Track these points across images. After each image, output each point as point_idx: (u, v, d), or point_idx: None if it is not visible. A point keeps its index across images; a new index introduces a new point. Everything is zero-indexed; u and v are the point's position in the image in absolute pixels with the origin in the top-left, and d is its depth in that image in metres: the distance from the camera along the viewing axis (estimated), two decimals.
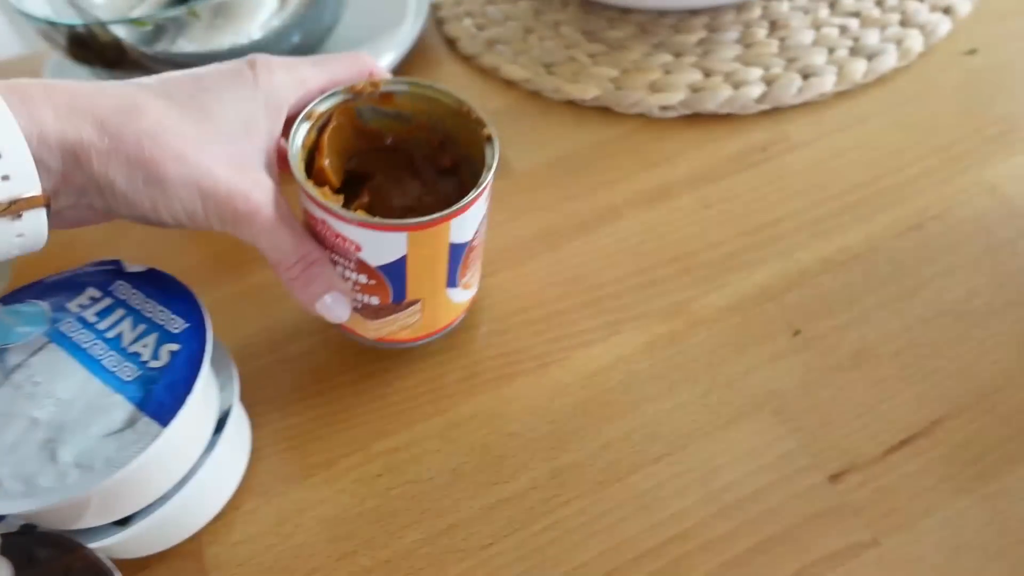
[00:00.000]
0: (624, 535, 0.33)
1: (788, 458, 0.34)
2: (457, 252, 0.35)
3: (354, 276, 0.34)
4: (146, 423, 0.28)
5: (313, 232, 0.34)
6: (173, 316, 0.32)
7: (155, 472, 0.31)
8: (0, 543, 0.30)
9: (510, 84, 0.58)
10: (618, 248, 0.45)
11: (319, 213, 0.33)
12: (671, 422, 0.36)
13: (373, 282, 0.34)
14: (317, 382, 0.41)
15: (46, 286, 0.34)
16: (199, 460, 0.33)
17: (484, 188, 0.33)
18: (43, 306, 0.33)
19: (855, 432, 0.35)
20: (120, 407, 0.29)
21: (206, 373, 0.30)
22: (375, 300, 0.35)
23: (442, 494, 0.36)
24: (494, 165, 0.34)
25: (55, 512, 0.29)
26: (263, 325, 0.44)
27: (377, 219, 0.32)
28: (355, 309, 0.36)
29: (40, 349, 0.31)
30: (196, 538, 0.36)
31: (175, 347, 0.31)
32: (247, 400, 0.39)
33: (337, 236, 0.33)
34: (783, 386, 0.37)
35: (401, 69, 0.61)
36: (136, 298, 0.33)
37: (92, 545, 0.30)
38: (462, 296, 0.39)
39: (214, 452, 0.33)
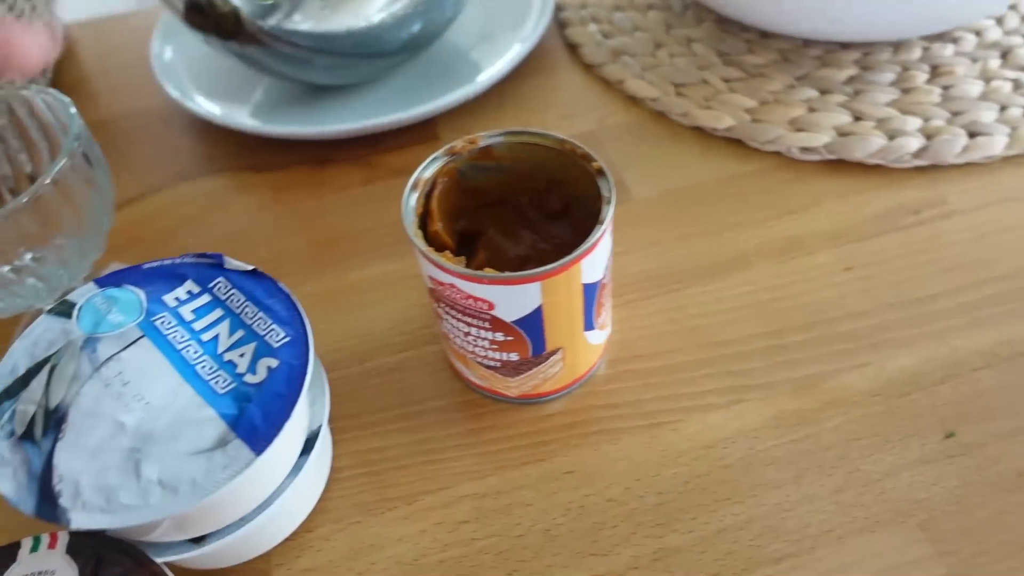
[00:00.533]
0: None
1: None
2: (591, 292, 0.32)
3: (490, 335, 0.32)
4: (237, 447, 0.26)
5: (441, 299, 0.32)
6: (273, 326, 0.29)
7: (240, 497, 0.28)
8: (68, 541, 0.27)
9: (633, 101, 0.54)
10: (745, 302, 0.41)
11: (446, 278, 0.30)
12: (797, 517, 0.32)
13: (511, 338, 0.32)
14: (404, 404, 0.38)
15: (144, 273, 0.31)
16: (283, 483, 0.30)
17: (608, 223, 0.31)
18: (139, 295, 0.30)
19: (1019, 570, 0.30)
20: (212, 424, 0.26)
21: (304, 399, 0.27)
22: (514, 356, 0.33)
23: (532, 555, 0.32)
24: (612, 198, 0.32)
25: (127, 527, 0.27)
26: (351, 331, 0.42)
27: (508, 274, 0.29)
28: (494, 368, 0.34)
29: (133, 343, 0.28)
30: (265, 557, 0.33)
31: (274, 363, 0.28)
32: (330, 413, 0.36)
33: (468, 297, 0.30)
34: (932, 497, 0.32)
35: (517, 72, 0.58)
36: (235, 300, 0.30)
37: (162, 560, 0.28)
38: (599, 337, 0.36)
39: (299, 476, 0.30)
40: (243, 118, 0.54)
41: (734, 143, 0.50)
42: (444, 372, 0.39)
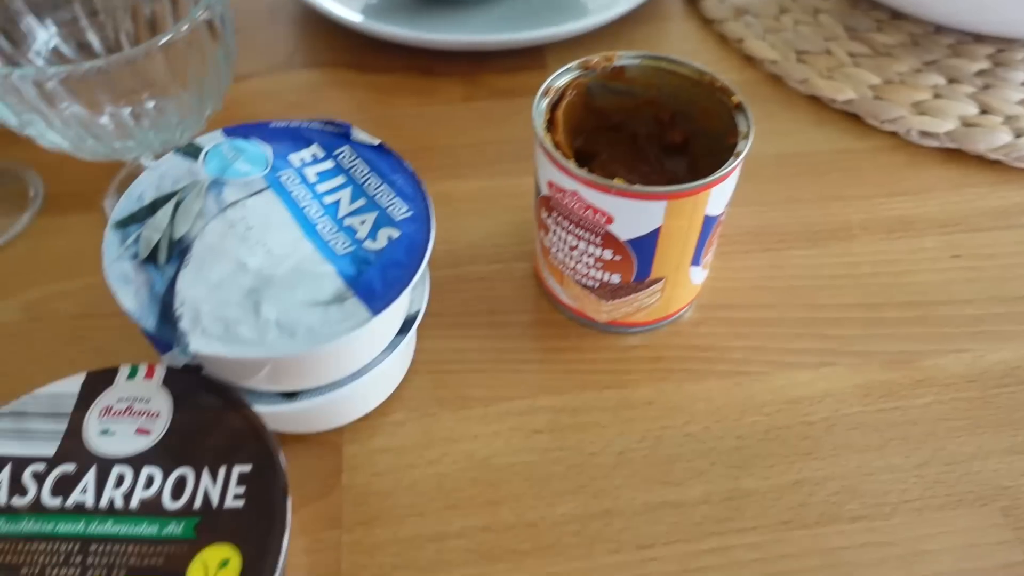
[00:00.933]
0: None
1: (1014, 570, 0.29)
2: (708, 226, 0.31)
3: (598, 252, 0.32)
4: (354, 304, 0.26)
5: (556, 208, 0.32)
6: (396, 199, 0.29)
7: (345, 356, 0.28)
8: (164, 374, 0.28)
9: (750, 61, 0.53)
10: (846, 272, 0.40)
11: (570, 184, 0.30)
12: (877, 483, 0.32)
13: (619, 258, 0.31)
14: (489, 313, 0.38)
15: (271, 131, 0.31)
16: (379, 356, 0.30)
17: (743, 156, 0.30)
18: (266, 149, 0.30)
19: None
20: (329, 279, 0.26)
21: (423, 269, 0.27)
22: (616, 278, 0.32)
23: (603, 474, 0.32)
24: (751, 133, 0.31)
25: (236, 365, 0.27)
26: (443, 237, 0.42)
27: (637, 187, 0.29)
28: (591, 289, 0.33)
29: (257, 192, 0.29)
30: (338, 432, 0.34)
31: (395, 233, 0.28)
32: None
33: (588, 208, 0.30)
34: (1019, 486, 0.32)
35: (634, 15, 0.56)
36: (359, 170, 0.30)
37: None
38: (699, 277, 0.35)
39: (394, 352, 0.31)
40: (353, 15, 0.53)
41: (850, 118, 0.49)
42: (531, 290, 0.39)
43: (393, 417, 0.34)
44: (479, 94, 0.51)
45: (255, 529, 0.24)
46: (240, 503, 0.25)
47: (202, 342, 0.25)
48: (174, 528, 0.24)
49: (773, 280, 0.40)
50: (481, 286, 0.39)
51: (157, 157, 0.42)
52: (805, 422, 0.34)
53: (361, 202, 0.29)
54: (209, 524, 0.24)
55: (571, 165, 0.30)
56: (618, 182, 0.29)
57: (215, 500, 0.25)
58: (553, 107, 0.33)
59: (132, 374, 0.28)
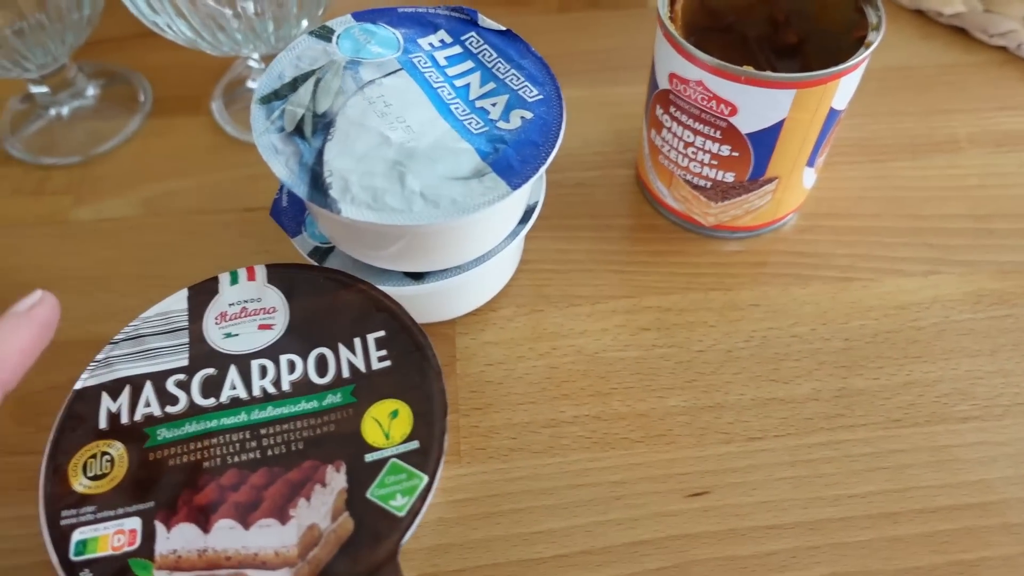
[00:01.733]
0: (912, 483, 0.30)
1: None
2: (830, 121, 0.31)
3: (715, 148, 0.32)
4: (493, 179, 0.26)
5: (675, 101, 0.32)
6: (526, 83, 0.29)
7: (479, 232, 0.29)
8: (266, 272, 0.29)
9: None
10: (951, 184, 0.39)
11: (695, 74, 0.30)
12: (988, 387, 0.32)
13: (736, 154, 0.31)
14: (592, 217, 0.39)
15: (398, 16, 0.32)
16: (501, 243, 0.31)
17: (875, 46, 0.30)
18: (396, 33, 0.31)
19: None
20: (468, 156, 0.27)
21: (557, 148, 0.28)
22: (729, 177, 0.32)
23: (712, 370, 0.33)
24: (882, 25, 0.30)
25: (373, 238, 0.28)
26: None
27: (768, 74, 0.28)
28: (701, 189, 0.33)
29: (392, 73, 0.29)
30: (450, 324, 0.35)
31: (528, 115, 0.28)
32: None
33: (711, 99, 0.30)
34: None
35: None
36: (487, 55, 0.30)
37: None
38: (810, 181, 0.35)
39: (514, 242, 0.31)
40: None
41: (956, 32, 0.47)
42: (633, 195, 0.40)
43: (502, 312, 0.35)
44: (575, 5, 0.50)
45: (410, 380, 0.26)
46: (387, 363, 0.26)
47: (352, 209, 0.26)
48: (333, 398, 0.26)
49: (877, 191, 0.39)
50: (582, 191, 0.40)
51: (265, 60, 0.42)
52: (914, 327, 0.34)
53: (491, 85, 0.29)
54: (365, 387, 0.26)
55: (698, 52, 0.29)
56: (748, 69, 0.29)
57: (361, 367, 0.26)
58: (671, 2, 0.33)
59: (234, 280, 0.29)
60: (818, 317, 0.34)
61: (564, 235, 0.38)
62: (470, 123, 0.28)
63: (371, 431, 0.25)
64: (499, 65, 0.30)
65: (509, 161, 0.27)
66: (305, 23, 0.38)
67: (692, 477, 0.30)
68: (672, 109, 0.32)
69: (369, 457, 0.25)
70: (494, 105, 0.28)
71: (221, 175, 0.41)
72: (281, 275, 0.29)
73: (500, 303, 0.35)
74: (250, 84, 0.45)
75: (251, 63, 0.43)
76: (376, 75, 0.29)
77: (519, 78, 0.29)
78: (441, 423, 0.25)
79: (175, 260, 0.37)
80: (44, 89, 0.43)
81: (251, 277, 0.29)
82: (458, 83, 0.29)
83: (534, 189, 0.33)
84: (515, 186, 0.26)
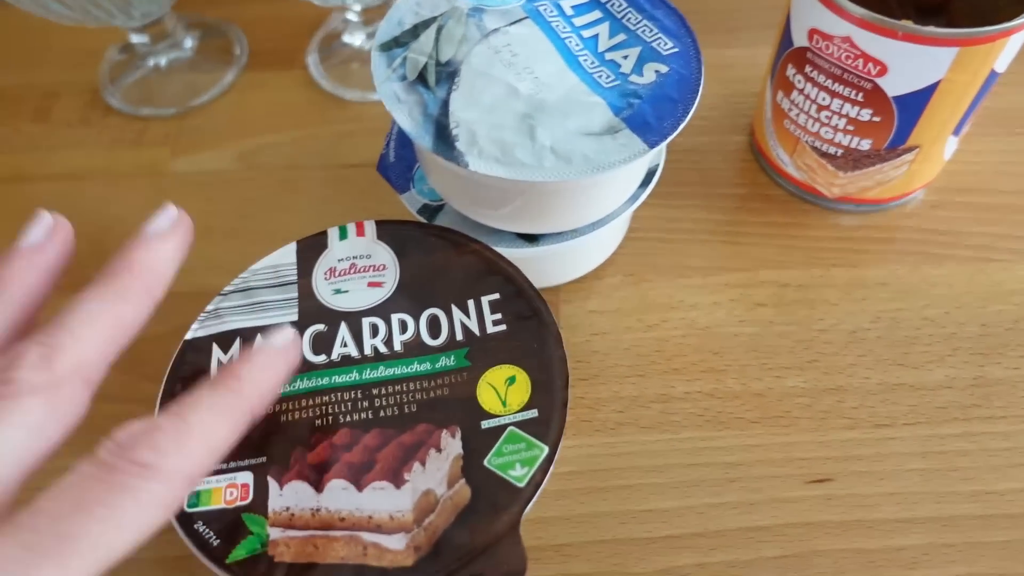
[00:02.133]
0: None
1: None
2: (987, 86, 0.29)
3: (854, 112, 0.29)
4: (628, 136, 0.25)
5: (813, 60, 0.29)
6: (660, 35, 0.27)
7: (604, 193, 0.27)
8: (375, 229, 0.28)
9: None
10: None
11: (843, 28, 0.27)
12: None
13: (878, 119, 0.29)
14: (704, 184, 0.37)
15: None
16: (621, 207, 0.29)
17: None
18: None
19: None
20: (600, 110, 0.25)
21: (696, 105, 0.26)
22: (866, 144, 0.30)
23: (835, 351, 0.31)
24: None
25: (490, 196, 0.27)
26: None
27: (930, 29, 0.26)
28: (831, 157, 0.31)
29: (518, 21, 0.28)
30: (555, 291, 0.33)
31: (663, 68, 0.26)
32: None
33: (858, 57, 0.27)
34: None
35: None
36: (617, 5, 0.29)
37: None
38: (951, 151, 0.32)
39: (633, 206, 0.30)
40: None
41: None
42: (747, 163, 0.37)
43: (608, 281, 0.34)
44: None
45: (527, 346, 0.24)
46: (502, 327, 0.25)
47: (479, 163, 0.24)
48: (447, 361, 0.25)
49: (1017, 165, 0.36)
50: (692, 157, 0.38)
51: (364, 14, 0.41)
52: None
53: (621, 37, 0.27)
54: (480, 351, 0.25)
55: (848, 4, 0.27)
56: (906, 23, 0.26)
57: (476, 330, 0.25)
58: None
59: (343, 235, 0.28)
60: (952, 300, 0.32)
61: (674, 203, 0.36)
62: (600, 76, 0.26)
63: (487, 397, 0.24)
64: (629, 15, 0.28)
65: (645, 117, 0.25)
66: None
67: (813, 463, 0.28)
68: (808, 68, 0.30)
69: (486, 424, 0.23)
70: (625, 58, 0.27)
71: (317, 130, 0.40)
72: (391, 232, 0.28)
73: (605, 271, 0.34)
74: (346, 39, 0.44)
75: (349, 15, 0.42)
76: (501, 23, 0.27)
77: (652, 29, 0.27)
78: (563, 392, 0.24)
79: (273, 215, 0.37)
80: (144, 39, 0.42)
81: (360, 233, 0.28)
82: (586, 34, 0.27)
83: (655, 153, 0.31)
84: (652, 144, 0.24)
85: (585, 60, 0.27)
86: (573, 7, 0.28)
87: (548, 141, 0.24)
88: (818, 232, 0.34)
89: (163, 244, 0.21)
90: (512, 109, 0.25)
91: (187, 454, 0.17)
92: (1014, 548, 0.26)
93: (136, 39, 0.42)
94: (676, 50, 0.27)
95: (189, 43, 0.44)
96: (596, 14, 0.28)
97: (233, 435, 0.19)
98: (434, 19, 0.27)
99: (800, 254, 0.34)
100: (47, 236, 0.20)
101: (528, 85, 0.26)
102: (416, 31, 0.27)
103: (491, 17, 0.28)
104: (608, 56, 0.27)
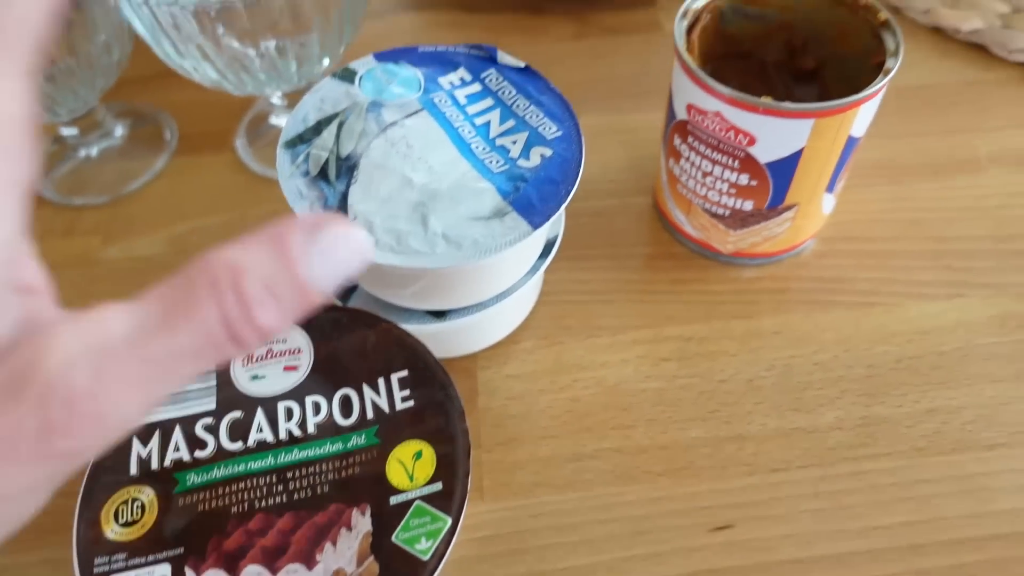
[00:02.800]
0: (939, 513, 0.29)
1: None
2: (848, 149, 0.31)
3: (733, 177, 0.32)
4: (515, 219, 0.27)
5: (693, 132, 0.32)
6: (545, 119, 0.30)
7: (501, 271, 0.29)
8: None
9: None
10: (974, 204, 0.39)
11: (712, 105, 0.30)
12: (1014, 412, 0.32)
13: (755, 183, 0.31)
14: (611, 246, 0.39)
15: (419, 55, 0.32)
16: (522, 278, 0.31)
17: (893, 73, 0.30)
18: (417, 73, 0.31)
19: None
20: (489, 195, 0.27)
21: (576, 187, 0.28)
22: (749, 205, 0.33)
23: (734, 400, 0.33)
24: (900, 51, 0.30)
25: (397, 278, 0.29)
26: None
27: (785, 104, 0.28)
28: (720, 217, 0.34)
29: (414, 114, 0.30)
30: (471, 359, 0.35)
31: (547, 152, 0.29)
32: None
33: (729, 129, 0.30)
34: None
35: None
36: (507, 92, 0.31)
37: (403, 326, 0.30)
38: (829, 206, 0.35)
39: (534, 277, 0.32)
40: None
41: (975, 49, 0.47)
42: (652, 223, 0.40)
43: (523, 345, 0.35)
44: (590, 32, 0.51)
45: (434, 421, 0.26)
46: (410, 403, 0.27)
47: (376, 253, 0.26)
48: (358, 440, 0.26)
49: (898, 212, 0.39)
50: (600, 220, 0.40)
51: (287, 97, 0.43)
52: (937, 352, 0.34)
53: (511, 123, 0.30)
54: (389, 428, 0.26)
55: (715, 83, 0.30)
56: (766, 99, 0.29)
57: (385, 407, 0.27)
58: (688, 31, 0.33)
59: None
60: (840, 344, 0.34)
61: (583, 265, 0.38)
62: (490, 161, 0.28)
63: (396, 473, 0.25)
64: (518, 102, 0.30)
65: (530, 199, 0.27)
66: (327, 61, 0.38)
67: (716, 511, 0.30)
68: (690, 139, 0.33)
69: (394, 499, 0.25)
70: (514, 143, 0.29)
71: (247, 212, 0.42)
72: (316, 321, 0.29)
73: (521, 336, 0.36)
74: (272, 120, 0.46)
75: (274, 99, 0.44)
76: (398, 116, 0.29)
77: (538, 115, 0.30)
78: (464, 464, 0.25)
79: None
80: (74, 131, 0.44)
81: None
82: (478, 121, 0.30)
83: (554, 223, 0.33)
84: (536, 225, 0.26)
85: (477, 147, 0.29)
86: (467, 96, 0.31)
87: (440, 228, 0.26)
88: (718, 286, 0.37)
89: None
90: (406, 199, 0.27)
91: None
92: None
93: (66, 132, 0.44)
94: (559, 134, 0.29)
95: (119, 131, 0.46)
96: (488, 102, 0.30)
97: None
98: (336, 115, 0.29)
99: (701, 308, 0.36)
100: None
101: (422, 175, 0.28)
102: (319, 127, 0.29)
103: (389, 111, 0.30)
104: (499, 142, 0.29)
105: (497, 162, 0.28)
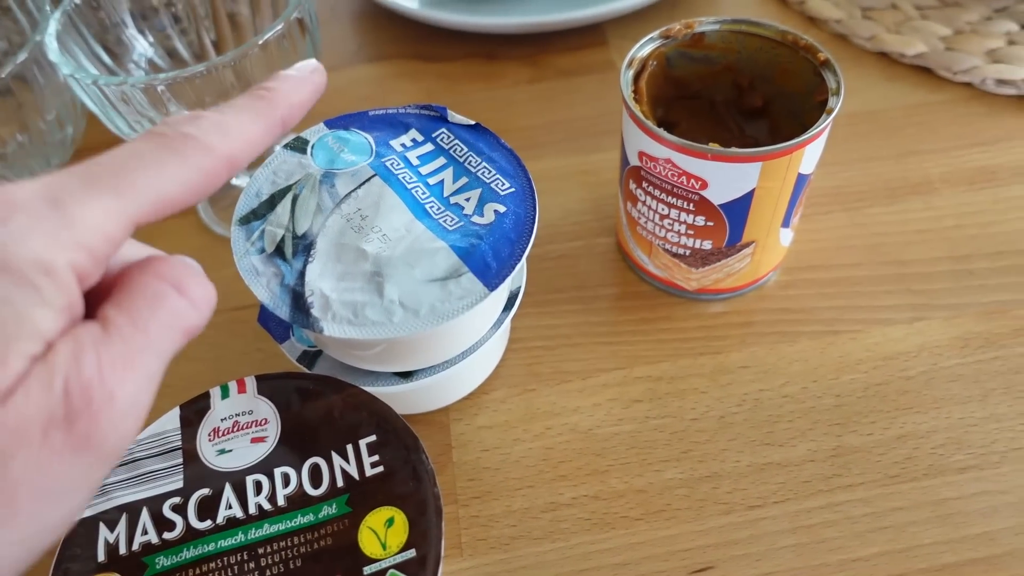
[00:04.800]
0: (916, 541, 0.29)
1: None
2: (800, 185, 0.32)
3: (690, 219, 0.32)
4: (471, 280, 0.27)
5: (646, 178, 0.32)
6: (498, 176, 0.30)
7: (461, 332, 0.29)
8: (256, 384, 0.29)
9: (813, 22, 0.53)
10: (929, 227, 0.40)
11: (662, 152, 0.30)
12: (982, 433, 0.32)
13: (711, 224, 0.32)
14: (577, 289, 0.39)
15: (370, 119, 0.33)
16: (487, 333, 0.31)
17: (836, 112, 0.31)
18: (368, 138, 0.32)
19: None
20: (444, 255, 0.28)
21: (531, 244, 0.28)
22: (707, 244, 0.33)
23: (707, 438, 0.33)
24: (842, 90, 0.31)
25: (359, 345, 0.28)
26: None
27: (733, 150, 0.29)
28: (681, 257, 0.34)
29: (366, 182, 0.30)
30: (444, 412, 0.35)
31: (501, 208, 0.29)
32: None
33: (681, 175, 0.31)
34: None
35: None
36: (459, 150, 0.31)
37: (370, 389, 0.30)
38: (788, 239, 0.35)
39: (500, 329, 0.32)
40: (413, 5, 0.54)
41: (921, 72, 0.48)
42: (616, 263, 0.40)
43: (495, 395, 0.35)
44: (545, 75, 0.51)
45: (404, 485, 0.26)
46: (380, 469, 0.26)
47: (334, 327, 0.26)
48: (329, 510, 0.26)
49: (856, 239, 0.40)
50: (565, 263, 0.40)
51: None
52: (903, 377, 0.34)
53: (464, 180, 0.30)
54: (360, 495, 0.26)
55: (664, 133, 0.30)
56: (713, 146, 0.29)
57: (355, 474, 0.27)
58: (635, 78, 0.34)
59: (224, 393, 0.29)
60: (808, 374, 0.35)
61: (551, 310, 0.38)
62: (445, 220, 0.29)
63: (368, 541, 0.25)
64: (470, 159, 0.31)
65: (485, 259, 0.27)
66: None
67: (695, 552, 0.30)
68: (645, 184, 0.33)
69: (368, 570, 0.25)
70: (468, 200, 0.29)
71: (210, 275, 0.41)
72: (271, 385, 0.29)
73: (492, 385, 0.36)
74: (234, 182, 0.46)
75: None
76: (351, 186, 0.29)
77: (490, 171, 0.30)
78: (437, 528, 0.25)
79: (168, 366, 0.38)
80: None
81: (242, 389, 0.29)
82: (432, 180, 0.30)
83: (515, 277, 0.33)
84: (493, 287, 0.27)
85: (431, 207, 0.29)
86: (419, 157, 0.31)
87: (396, 295, 0.26)
88: (684, 323, 0.37)
89: (301, 84, 0.22)
90: (361, 271, 0.27)
91: (225, 135, 0.19)
92: None
93: None
94: (513, 190, 0.30)
95: None
96: (441, 160, 0.31)
97: (267, 137, 0.20)
98: (289, 188, 0.29)
99: (669, 347, 0.36)
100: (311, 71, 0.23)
101: (376, 244, 0.28)
102: (273, 201, 0.29)
103: (342, 180, 0.30)
104: (453, 200, 0.29)
105: (452, 220, 0.29)
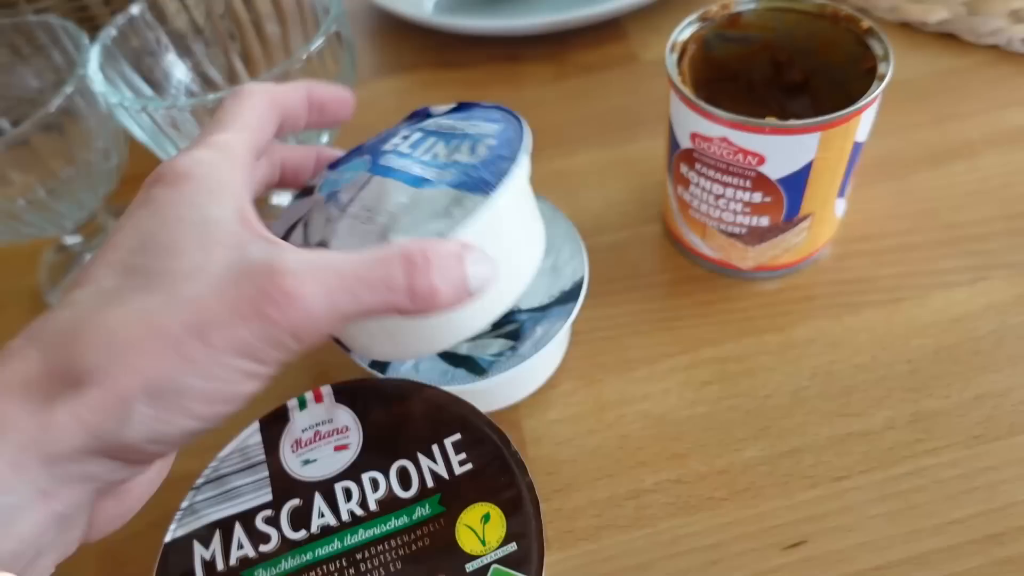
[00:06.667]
0: (1010, 498, 0.29)
1: None
2: (855, 153, 0.32)
3: (747, 196, 0.32)
4: (472, 198, 0.26)
5: (700, 158, 0.32)
6: (483, 123, 0.30)
7: (504, 246, 0.28)
8: (332, 392, 0.29)
9: None
10: (977, 188, 0.40)
11: (717, 131, 0.30)
12: None
13: (768, 199, 0.32)
14: (630, 278, 0.39)
15: (365, 147, 0.33)
16: (556, 324, 0.31)
17: (888, 78, 0.31)
18: (364, 157, 0.31)
19: None
20: (443, 195, 0.27)
21: (527, 146, 0.27)
22: (764, 221, 0.33)
23: (782, 415, 0.33)
24: (891, 55, 0.31)
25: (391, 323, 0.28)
26: (572, 211, 0.43)
27: (791, 122, 0.29)
28: (737, 236, 0.34)
29: (366, 184, 0.29)
30: (513, 409, 0.35)
31: (492, 141, 0.28)
32: None
33: (737, 152, 0.30)
34: None
35: None
36: (445, 125, 0.31)
37: (446, 388, 0.29)
38: (841, 210, 0.35)
39: (569, 319, 0.31)
40: (431, 14, 0.54)
41: (945, 38, 0.48)
42: (665, 249, 0.40)
43: (562, 388, 0.35)
44: (568, 72, 0.51)
45: (496, 480, 0.26)
46: (469, 466, 0.26)
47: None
48: (422, 511, 0.26)
49: (905, 206, 0.39)
50: (615, 253, 0.40)
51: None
52: (972, 338, 0.34)
53: (456, 142, 0.29)
54: (452, 494, 0.26)
55: (719, 111, 0.30)
56: (771, 119, 0.29)
57: (444, 474, 0.26)
58: (678, 62, 0.34)
59: (302, 405, 0.29)
60: (876, 343, 0.34)
61: (607, 300, 0.38)
62: (443, 176, 0.28)
63: (466, 539, 0.25)
64: (458, 126, 0.30)
65: (482, 178, 0.27)
66: (324, 139, 0.39)
67: (786, 528, 0.30)
68: (698, 166, 0.33)
69: (470, 567, 0.24)
70: (461, 152, 0.28)
71: None
72: (348, 392, 0.29)
73: (559, 380, 0.36)
74: (274, 200, 0.46)
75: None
76: (352, 193, 0.29)
77: (478, 124, 0.29)
78: (536, 519, 0.25)
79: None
80: (78, 239, 0.44)
81: (319, 399, 0.29)
82: (426, 157, 0.29)
83: (576, 264, 0.33)
84: (490, 191, 0.26)
85: (429, 173, 0.28)
86: (410, 145, 0.30)
87: (403, 237, 0.26)
88: (744, 303, 0.37)
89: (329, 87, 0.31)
90: (372, 238, 0.27)
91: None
92: (984, 573, 0.28)
93: (70, 240, 0.44)
94: (499, 125, 0.29)
95: None
96: (431, 140, 0.30)
97: (303, 102, 0.31)
98: (300, 219, 0.29)
99: (732, 327, 0.36)
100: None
101: (383, 220, 0.27)
102: (288, 234, 0.29)
103: (345, 192, 0.29)
104: (450, 159, 0.28)
105: (451, 173, 0.28)
